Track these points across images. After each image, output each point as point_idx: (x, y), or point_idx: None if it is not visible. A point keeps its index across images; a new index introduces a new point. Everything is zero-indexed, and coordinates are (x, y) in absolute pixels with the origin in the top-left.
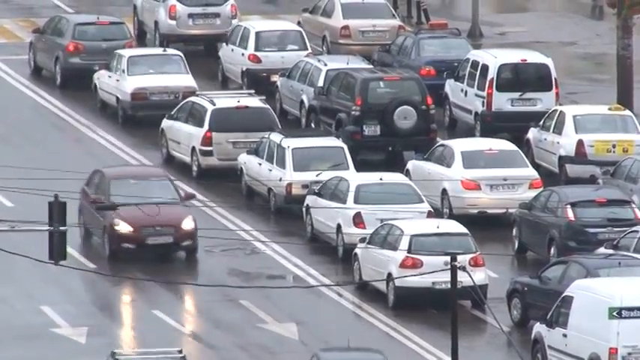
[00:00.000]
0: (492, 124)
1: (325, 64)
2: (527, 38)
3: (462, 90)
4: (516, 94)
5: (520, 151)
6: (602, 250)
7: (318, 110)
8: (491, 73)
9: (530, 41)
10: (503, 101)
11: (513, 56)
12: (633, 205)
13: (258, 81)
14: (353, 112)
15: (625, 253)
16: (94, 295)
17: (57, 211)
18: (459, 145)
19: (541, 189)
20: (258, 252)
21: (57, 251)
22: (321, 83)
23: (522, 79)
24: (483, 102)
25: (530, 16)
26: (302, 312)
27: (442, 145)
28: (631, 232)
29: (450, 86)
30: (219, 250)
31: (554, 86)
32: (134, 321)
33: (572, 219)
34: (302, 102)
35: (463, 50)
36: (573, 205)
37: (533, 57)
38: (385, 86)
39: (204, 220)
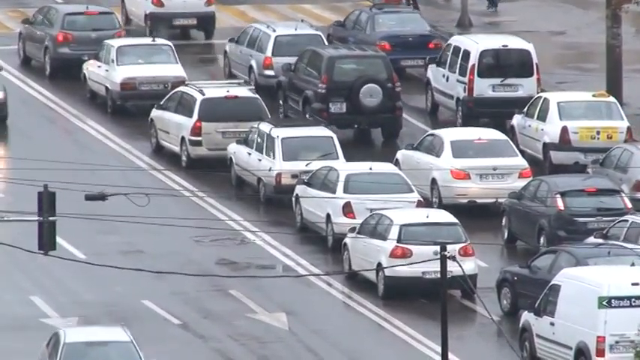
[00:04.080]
0: (474, 109)
1: (274, 30)
2: (517, 27)
3: (443, 75)
4: (498, 80)
5: (510, 140)
6: (591, 239)
7: (286, 87)
8: (473, 59)
9: (520, 30)
10: (484, 87)
11: (495, 42)
12: (623, 195)
13: (160, 24)
14: (319, 90)
15: (614, 242)
16: (83, 285)
17: (46, 201)
18: (449, 135)
19: (530, 178)
20: (247, 242)
21: (46, 241)
22: (270, 49)
23: (504, 64)
24: (465, 87)
25: (520, 6)
26: (292, 302)
27: (431, 134)
28: (620, 221)
29: (432, 71)
30: (209, 240)
31: (535, 72)
32: (124, 311)
33: (562, 208)
34: (251, 67)
35: (418, 25)
36: (563, 194)
37: (515, 43)
38: (351, 64)
39: (194, 210)
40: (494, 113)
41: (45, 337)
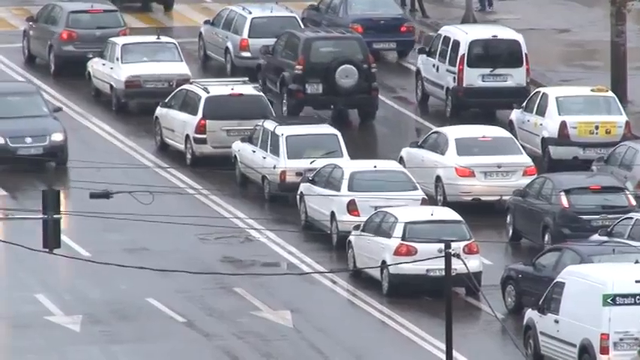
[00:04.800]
0: (463, 99)
1: (250, 12)
2: (521, 25)
3: (433, 65)
4: (487, 70)
5: (514, 138)
6: (596, 237)
7: (264, 68)
8: (463, 49)
9: (524, 28)
10: (474, 77)
11: (484, 32)
12: (627, 192)
13: None
14: (295, 71)
15: (619, 239)
16: (88, 283)
17: (51, 198)
18: (453, 132)
19: (535, 176)
20: (252, 240)
21: (51, 239)
22: (246, 31)
23: (493, 54)
24: (455, 77)
25: (524, 3)
26: (296, 299)
27: (436, 132)
28: (625, 218)
29: (422, 61)
30: (214, 237)
31: (524, 62)
32: (128, 309)
33: (566, 206)
34: (227, 49)
35: (390, 8)
36: (567, 192)
37: (504, 33)
38: (328, 46)
39: (198, 207)
40: (484, 103)
41: (49, 335)
